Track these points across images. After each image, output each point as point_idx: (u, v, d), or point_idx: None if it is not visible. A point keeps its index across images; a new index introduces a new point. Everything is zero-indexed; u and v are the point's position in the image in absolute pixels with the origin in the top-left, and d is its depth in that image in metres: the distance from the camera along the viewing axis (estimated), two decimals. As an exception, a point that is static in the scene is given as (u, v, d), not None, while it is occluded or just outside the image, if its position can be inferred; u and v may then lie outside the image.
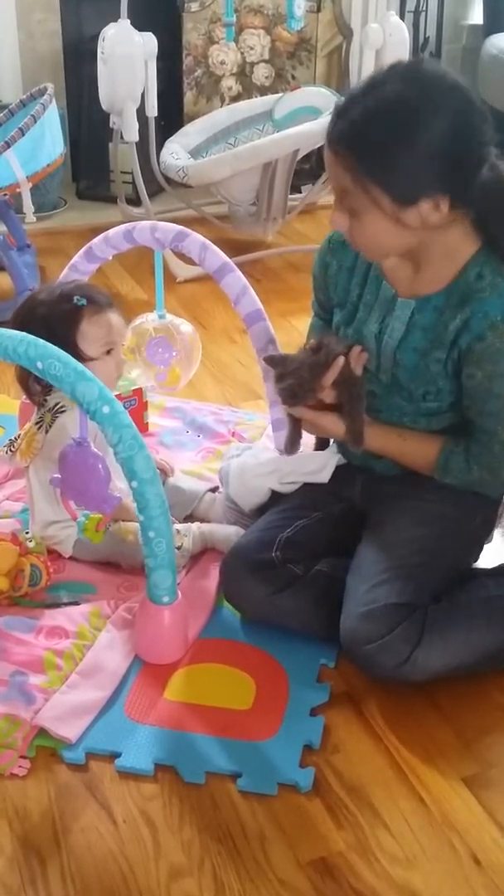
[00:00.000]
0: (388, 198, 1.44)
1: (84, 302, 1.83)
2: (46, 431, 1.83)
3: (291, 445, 1.79)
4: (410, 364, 1.61)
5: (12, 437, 1.92)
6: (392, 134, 1.41)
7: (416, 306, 1.59)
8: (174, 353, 2.29)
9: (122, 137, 3.36)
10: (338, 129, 1.45)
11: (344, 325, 1.71)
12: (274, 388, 1.71)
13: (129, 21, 3.16)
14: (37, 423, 1.85)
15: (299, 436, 1.78)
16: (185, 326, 2.32)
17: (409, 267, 1.60)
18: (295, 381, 1.64)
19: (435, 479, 1.65)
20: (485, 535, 1.77)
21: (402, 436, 1.67)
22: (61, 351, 1.48)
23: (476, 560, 1.77)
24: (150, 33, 3.21)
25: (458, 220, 1.51)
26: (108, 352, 1.87)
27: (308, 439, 1.86)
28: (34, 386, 1.86)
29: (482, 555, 1.77)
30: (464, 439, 1.62)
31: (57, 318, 1.81)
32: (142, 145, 3.38)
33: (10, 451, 1.89)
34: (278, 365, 1.68)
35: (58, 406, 1.83)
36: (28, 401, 1.97)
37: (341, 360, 1.63)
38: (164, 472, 2.01)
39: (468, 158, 1.44)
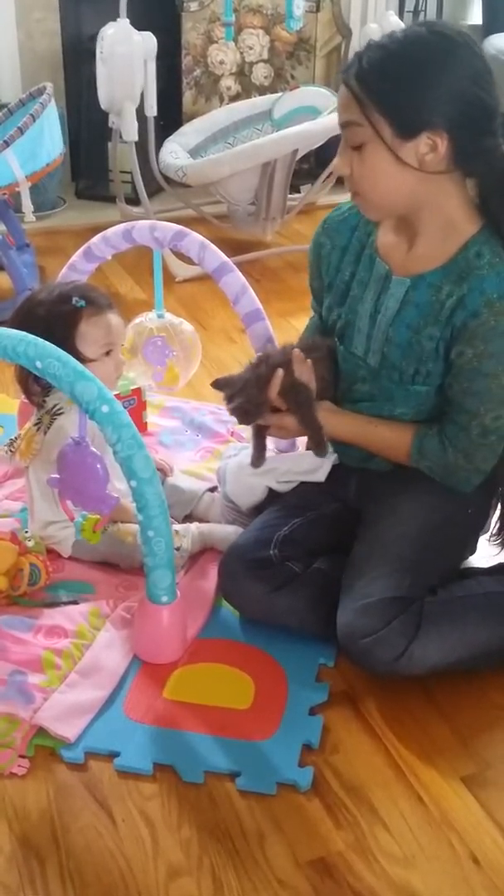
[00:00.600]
0: (390, 127, 1.46)
1: (83, 303, 1.83)
2: (45, 433, 1.83)
3: (258, 458, 1.79)
4: (403, 341, 1.61)
5: (12, 437, 1.92)
6: (404, 68, 1.45)
7: (412, 284, 1.59)
8: (172, 353, 2.29)
9: (121, 137, 3.36)
10: (354, 67, 1.48)
11: (337, 306, 1.71)
12: (226, 410, 1.71)
13: (128, 20, 3.16)
14: (35, 425, 1.85)
15: (264, 448, 1.79)
16: (185, 326, 2.32)
17: (405, 242, 1.60)
18: (244, 399, 1.66)
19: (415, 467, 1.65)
20: (479, 526, 1.77)
21: (372, 422, 1.68)
22: (61, 350, 1.48)
23: (472, 552, 1.77)
24: (149, 33, 3.22)
25: (458, 188, 1.52)
26: (107, 353, 1.87)
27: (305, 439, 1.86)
28: (33, 386, 1.86)
29: (478, 554, 1.78)
30: (437, 423, 1.62)
31: (56, 320, 1.81)
32: (141, 145, 3.38)
33: (10, 451, 1.89)
34: (225, 387, 1.69)
35: (56, 408, 1.82)
36: (27, 400, 1.97)
37: (280, 371, 1.64)
38: (164, 472, 2.01)
39: (474, 105, 1.45)
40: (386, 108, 1.45)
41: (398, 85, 1.45)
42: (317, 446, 1.69)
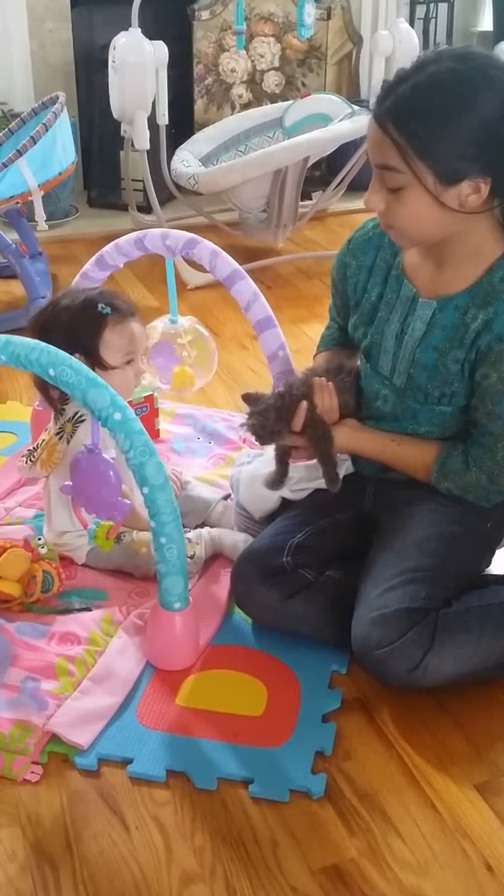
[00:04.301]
0: (433, 174, 1.42)
1: (109, 311, 1.82)
2: (68, 442, 1.82)
3: (276, 482, 1.79)
4: (429, 363, 1.61)
5: (31, 447, 1.91)
6: (443, 108, 1.39)
7: (438, 306, 1.59)
8: (178, 359, 2.31)
9: (133, 145, 3.39)
10: (387, 105, 1.42)
11: (364, 325, 1.71)
12: (241, 423, 1.73)
13: (139, 30, 3.19)
14: (57, 434, 1.84)
15: (285, 474, 1.79)
16: (202, 332, 2.35)
17: (432, 265, 1.60)
18: (258, 422, 1.67)
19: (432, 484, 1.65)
20: (497, 539, 1.76)
21: (395, 440, 1.68)
22: (73, 358, 1.48)
23: (489, 565, 1.76)
24: (161, 42, 3.24)
25: (489, 214, 1.49)
26: (129, 362, 1.87)
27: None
28: (52, 391, 1.85)
29: (494, 561, 1.77)
30: (462, 444, 1.62)
31: (81, 326, 1.80)
32: (153, 153, 3.40)
33: (30, 460, 1.87)
34: (252, 403, 1.70)
35: (77, 416, 1.81)
36: (41, 407, 1.97)
37: (304, 405, 1.66)
38: (175, 487, 1.99)
39: None
40: (429, 158, 1.41)
41: (441, 134, 1.40)
42: (330, 481, 1.71)
